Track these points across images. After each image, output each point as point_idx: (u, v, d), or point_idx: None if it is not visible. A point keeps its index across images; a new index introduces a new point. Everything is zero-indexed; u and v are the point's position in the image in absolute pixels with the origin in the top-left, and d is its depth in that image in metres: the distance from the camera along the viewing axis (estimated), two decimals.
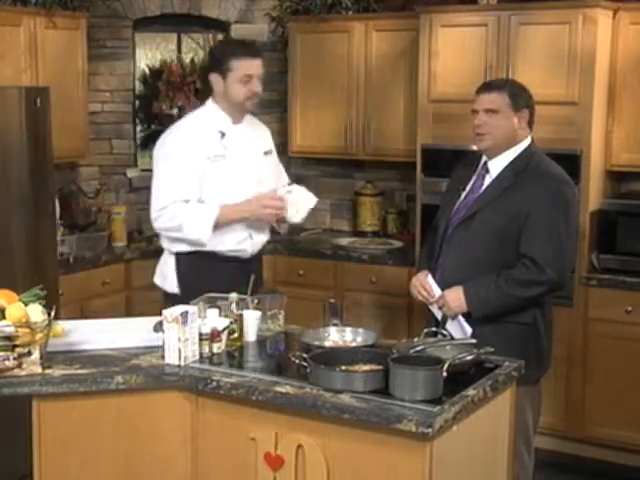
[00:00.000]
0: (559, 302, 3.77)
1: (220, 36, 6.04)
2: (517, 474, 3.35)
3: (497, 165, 3.35)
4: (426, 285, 3.37)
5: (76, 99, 5.18)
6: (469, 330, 3.27)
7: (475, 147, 3.44)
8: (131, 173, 5.83)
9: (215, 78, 3.60)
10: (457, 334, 3.27)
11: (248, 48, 3.67)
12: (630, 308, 4.42)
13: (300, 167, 5.91)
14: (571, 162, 4.21)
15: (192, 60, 5.96)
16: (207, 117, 3.67)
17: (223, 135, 3.63)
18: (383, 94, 5.27)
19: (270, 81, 5.88)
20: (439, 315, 3.35)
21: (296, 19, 5.56)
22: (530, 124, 3.39)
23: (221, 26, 5.96)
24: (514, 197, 3.26)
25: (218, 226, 3.55)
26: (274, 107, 5.92)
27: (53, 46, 4.96)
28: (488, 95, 3.33)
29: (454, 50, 4.76)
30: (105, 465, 2.85)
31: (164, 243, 3.70)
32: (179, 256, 3.65)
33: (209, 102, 3.71)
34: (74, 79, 5.15)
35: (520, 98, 3.33)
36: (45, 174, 4.47)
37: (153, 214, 3.59)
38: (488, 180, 3.36)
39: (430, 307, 3.41)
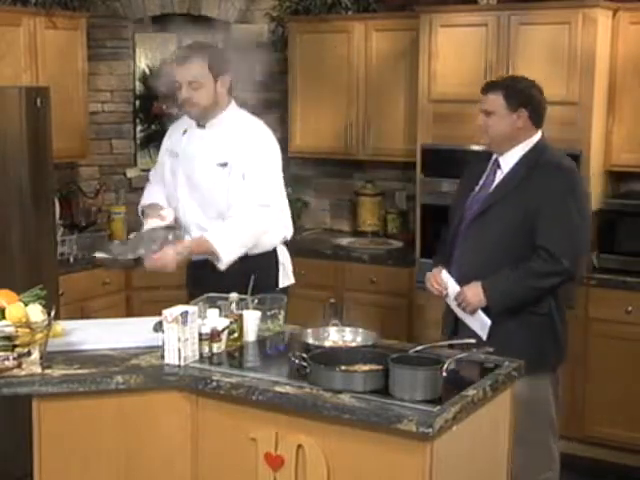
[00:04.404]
0: None
1: (220, 36, 6.04)
2: (546, 467, 3.46)
3: (508, 161, 3.40)
4: (438, 279, 3.43)
5: (76, 99, 5.18)
6: (488, 322, 3.32)
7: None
8: (131, 173, 5.83)
9: None
10: (476, 327, 3.33)
11: (179, 54, 3.70)
12: (630, 308, 4.41)
13: (300, 167, 5.91)
14: None
15: None
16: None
17: (184, 133, 3.68)
18: (383, 94, 5.26)
19: (270, 81, 5.90)
20: (457, 311, 3.40)
21: (296, 19, 5.56)
22: (536, 121, 3.41)
23: (221, 26, 5.95)
24: (526, 191, 3.31)
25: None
26: (274, 107, 5.91)
27: (53, 46, 4.96)
28: (485, 96, 3.42)
29: (454, 50, 4.76)
30: (105, 465, 2.84)
31: None
32: None
33: None
34: (74, 79, 5.15)
35: (515, 98, 3.36)
36: (45, 174, 4.47)
37: None
38: (500, 175, 3.42)
39: (448, 302, 3.45)
